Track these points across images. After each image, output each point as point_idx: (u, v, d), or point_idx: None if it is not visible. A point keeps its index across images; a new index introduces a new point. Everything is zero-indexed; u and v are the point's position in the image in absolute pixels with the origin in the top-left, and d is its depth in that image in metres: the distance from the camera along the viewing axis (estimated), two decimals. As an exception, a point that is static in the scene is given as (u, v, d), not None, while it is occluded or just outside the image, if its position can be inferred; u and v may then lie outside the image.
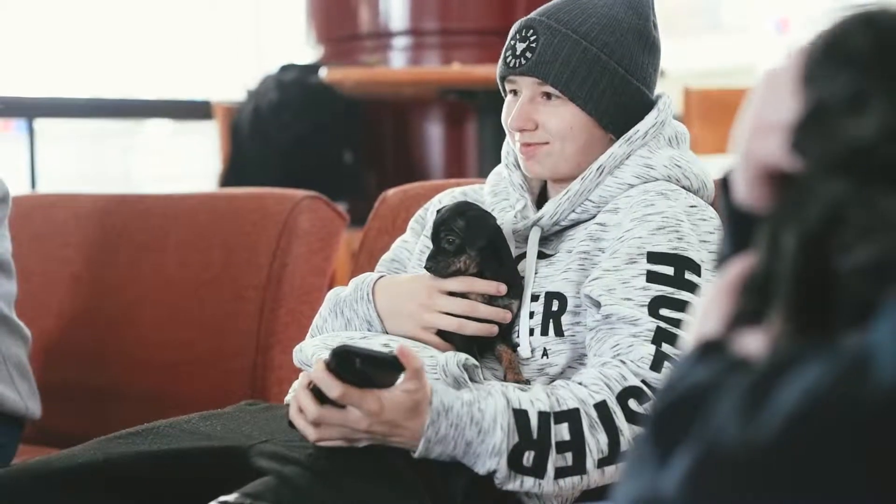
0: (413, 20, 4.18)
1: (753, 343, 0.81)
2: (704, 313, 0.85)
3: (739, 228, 0.85)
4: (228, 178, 3.93)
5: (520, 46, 1.81)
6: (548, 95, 1.80)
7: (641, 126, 1.81)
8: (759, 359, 0.73)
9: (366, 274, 1.87)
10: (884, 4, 0.77)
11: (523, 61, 1.80)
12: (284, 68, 4.04)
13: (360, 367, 1.49)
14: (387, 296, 1.80)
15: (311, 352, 1.78)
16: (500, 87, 1.88)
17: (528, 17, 1.85)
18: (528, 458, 1.57)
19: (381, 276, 1.84)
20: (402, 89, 4.05)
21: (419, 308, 1.76)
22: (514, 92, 1.84)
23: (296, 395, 1.57)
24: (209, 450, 1.63)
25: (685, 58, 5.93)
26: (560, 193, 1.81)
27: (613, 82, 1.80)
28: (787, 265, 0.79)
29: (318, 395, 1.53)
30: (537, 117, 1.80)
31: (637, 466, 0.74)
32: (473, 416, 1.56)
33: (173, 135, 4.78)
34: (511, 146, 1.89)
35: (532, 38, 1.80)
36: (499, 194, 1.90)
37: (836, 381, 0.61)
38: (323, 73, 3.94)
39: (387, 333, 1.79)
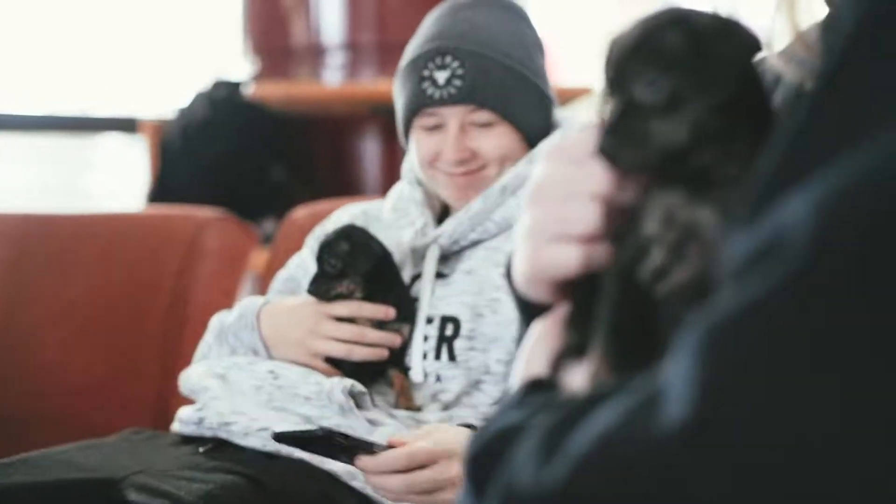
0: (349, 33, 4.12)
1: (577, 379, 0.77)
2: (532, 351, 0.81)
3: (529, 312, 0.82)
4: (157, 195, 3.87)
5: (441, 75, 1.73)
6: (480, 122, 1.74)
7: (545, 145, 1.76)
8: (573, 397, 0.69)
9: (250, 299, 1.82)
10: (696, 5, 0.73)
11: (453, 90, 1.72)
12: (216, 85, 3.98)
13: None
14: (273, 323, 1.74)
15: (197, 379, 1.72)
16: (405, 122, 1.79)
17: (437, 44, 1.76)
18: None
19: (267, 302, 1.78)
20: (333, 105, 3.99)
21: (306, 334, 1.70)
22: (433, 127, 1.76)
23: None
24: (83, 481, 1.57)
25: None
26: (461, 212, 1.76)
27: (536, 98, 1.77)
28: (605, 295, 0.74)
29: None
30: (472, 145, 1.74)
31: None
32: None
33: (125, 149, 4.70)
34: (413, 164, 1.83)
35: (455, 65, 1.73)
36: (399, 211, 1.85)
37: (624, 422, 0.56)
38: (253, 88, 3.89)
39: (273, 360, 1.73)
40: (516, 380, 0.81)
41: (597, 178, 0.74)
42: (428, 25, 1.81)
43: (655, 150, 0.71)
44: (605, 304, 0.74)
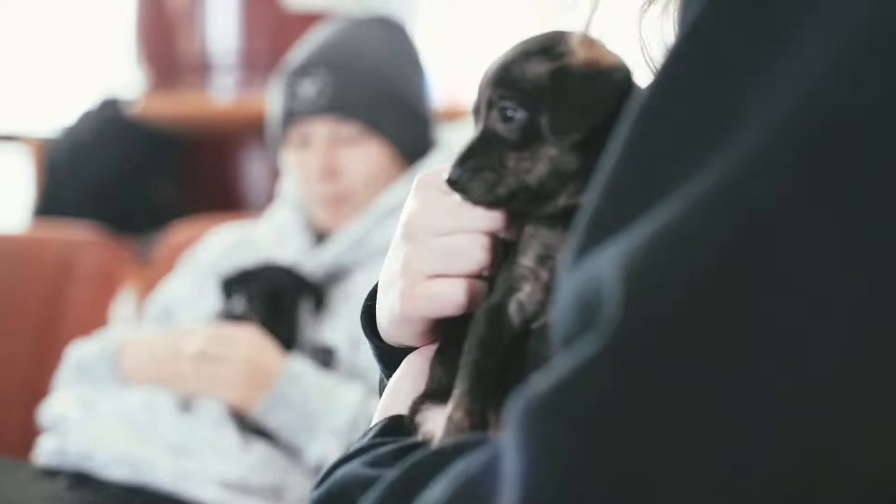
0: (243, 45, 4.05)
1: (436, 421, 0.72)
2: (395, 387, 0.76)
3: (386, 358, 0.79)
4: (43, 211, 3.80)
5: (307, 86, 1.69)
6: (347, 136, 1.70)
7: (429, 164, 1.72)
8: (420, 453, 0.64)
9: (112, 334, 1.77)
10: (559, 33, 0.70)
11: (322, 101, 1.69)
12: (103, 103, 3.92)
13: None
14: (137, 360, 1.68)
15: (60, 407, 1.65)
16: (279, 136, 1.76)
17: (303, 58, 1.74)
18: None
19: (130, 338, 1.72)
20: (223, 120, 3.93)
21: (167, 373, 1.64)
22: (303, 143, 1.73)
23: None
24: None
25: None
26: (340, 235, 1.72)
27: (408, 114, 1.74)
28: (471, 334, 0.70)
29: None
30: (338, 160, 1.70)
31: None
32: (326, 389, 1.53)
33: (10, 165, 4.60)
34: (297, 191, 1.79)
35: (323, 77, 1.69)
36: (278, 234, 1.80)
37: (457, 498, 0.52)
38: (143, 102, 3.81)
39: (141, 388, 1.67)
40: (376, 416, 0.77)
41: (477, 210, 0.70)
42: (306, 43, 1.79)
43: (507, 184, 0.67)
44: (471, 343, 0.70)
